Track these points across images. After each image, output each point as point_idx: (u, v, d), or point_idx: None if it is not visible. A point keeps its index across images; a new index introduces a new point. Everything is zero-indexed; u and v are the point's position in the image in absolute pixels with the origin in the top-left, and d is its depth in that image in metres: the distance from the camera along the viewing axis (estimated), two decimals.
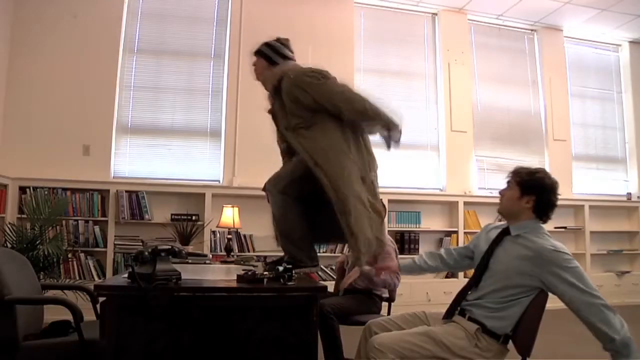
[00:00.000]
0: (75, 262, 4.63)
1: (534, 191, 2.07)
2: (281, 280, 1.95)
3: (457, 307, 2.09)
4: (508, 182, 2.17)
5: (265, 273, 2.01)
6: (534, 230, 2.05)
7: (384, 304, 3.28)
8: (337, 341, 2.85)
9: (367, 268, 2.54)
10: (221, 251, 4.72)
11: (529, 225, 2.07)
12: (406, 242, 5.57)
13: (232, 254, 3.94)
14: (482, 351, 1.96)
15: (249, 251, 4.99)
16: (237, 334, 1.84)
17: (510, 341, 2.01)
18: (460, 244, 5.60)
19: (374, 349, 1.97)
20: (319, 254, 5.78)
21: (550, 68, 6.43)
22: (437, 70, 6.08)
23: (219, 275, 2.50)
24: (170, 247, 1.89)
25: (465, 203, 5.70)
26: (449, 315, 2.10)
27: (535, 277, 1.94)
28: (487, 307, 2.01)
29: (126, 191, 4.81)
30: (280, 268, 1.99)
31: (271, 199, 2.32)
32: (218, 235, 4.99)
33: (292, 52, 2.47)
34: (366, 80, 5.81)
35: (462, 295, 2.12)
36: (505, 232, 2.14)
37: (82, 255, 4.67)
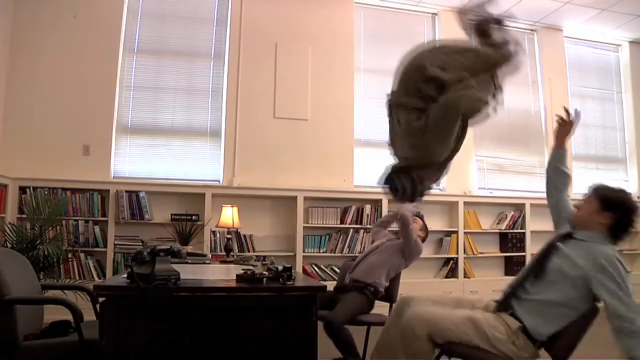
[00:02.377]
0: (75, 262, 4.62)
1: (615, 209, 2.04)
2: (280, 279, 1.96)
3: (513, 298, 2.06)
4: (587, 196, 2.15)
5: (264, 273, 2.01)
6: (601, 242, 2.02)
7: (385, 305, 3.28)
8: (353, 344, 2.86)
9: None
10: (221, 251, 4.72)
11: (598, 237, 2.04)
12: None
13: (231, 253, 3.93)
14: (518, 349, 1.96)
15: (248, 251, 4.99)
16: (237, 333, 1.85)
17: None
18: (461, 245, 5.59)
19: (413, 319, 1.98)
20: (318, 254, 5.77)
21: (550, 68, 6.43)
22: None
23: (219, 275, 2.50)
24: (169, 247, 1.89)
25: (465, 203, 5.69)
26: (503, 308, 2.07)
27: (585, 276, 1.92)
28: (535, 308, 2.00)
29: (126, 191, 4.81)
30: (280, 267, 1.99)
31: None
32: (218, 235, 4.99)
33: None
34: (366, 80, 5.81)
35: (518, 284, 2.09)
36: (569, 235, 2.12)
37: (82, 255, 4.67)
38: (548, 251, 2.09)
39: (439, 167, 2.24)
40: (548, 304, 1.99)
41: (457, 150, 2.25)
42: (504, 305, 2.07)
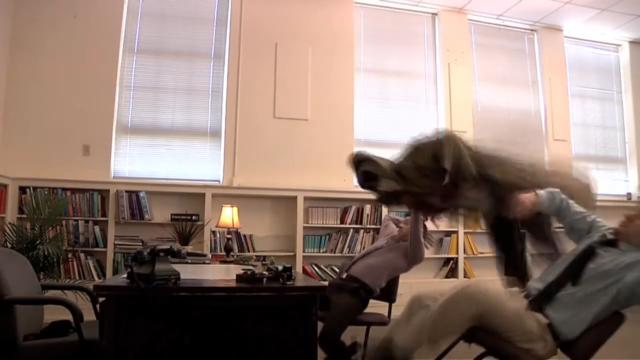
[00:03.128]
0: (75, 262, 4.62)
1: None
2: (280, 279, 1.96)
3: (550, 299, 2.06)
4: None
5: (264, 273, 2.01)
6: None
7: (384, 304, 3.27)
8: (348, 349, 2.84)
9: None
10: (221, 251, 4.73)
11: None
12: None
13: (231, 253, 3.93)
14: (546, 343, 1.98)
15: (248, 251, 4.99)
16: (237, 333, 1.85)
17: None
18: (461, 245, 5.59)
19: (466, 295, 2.00)
20: (318, 254, 5.76)
21: (550, 68, 6.43)
22: (437, 70, 6.08)
23: (219, 275, 2.50)
24: (169, 247, 1.89)
25: None
26: (537, 307, 2.07)
27: (615, 284, 1.93)
28: (564, 307, 2.01)
29: (126, 191, 4.81)
30: (280, 267, 1.99)
31: None
32: (218, 235, 4.99)
33: None
34: (366, 80, 5.82)
35: (558, 286, 2.08)
36: (611, 242, 2.11)
37: (82, 255, 4.67)
38: (586, 256, 2.08)
39: (394, 178, 2.31)
40: (577, 305, 1.99)
41: (412, 185, 2.32)
42: (537, 304, 2.07)
